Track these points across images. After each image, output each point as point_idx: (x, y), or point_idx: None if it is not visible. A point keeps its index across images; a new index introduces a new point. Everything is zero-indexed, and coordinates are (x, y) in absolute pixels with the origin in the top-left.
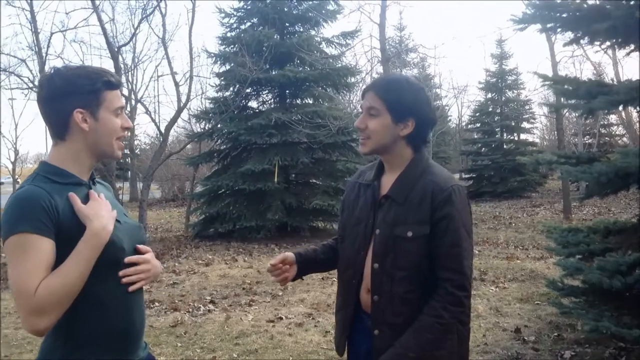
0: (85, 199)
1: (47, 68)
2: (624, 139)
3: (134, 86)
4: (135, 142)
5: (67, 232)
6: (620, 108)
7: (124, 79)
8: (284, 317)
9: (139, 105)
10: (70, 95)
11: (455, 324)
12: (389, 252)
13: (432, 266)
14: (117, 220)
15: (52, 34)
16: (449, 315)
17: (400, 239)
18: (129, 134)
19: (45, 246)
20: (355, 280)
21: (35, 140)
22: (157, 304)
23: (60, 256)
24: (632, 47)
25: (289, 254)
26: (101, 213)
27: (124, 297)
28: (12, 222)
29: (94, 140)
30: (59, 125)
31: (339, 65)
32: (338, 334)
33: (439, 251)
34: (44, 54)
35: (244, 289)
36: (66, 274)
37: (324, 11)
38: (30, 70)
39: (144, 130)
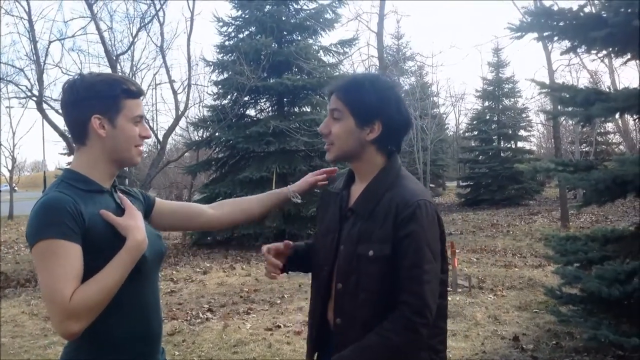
0: (113, 207)
1: (45, 77)
2: (621, 147)
3: None
4: None
5: (92, 239)
6: (617, 116)
7: None
8: (282, 326)
9: None
10: (89, 101)
11: (418, 352)
12: (352, 271)
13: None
14: None
15: (50, 42)
16: (398, 340)
17: (363, 258)
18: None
19: (74, 252)
20: (320, 297)
21: (33, 149)
22: None
23: (85, 263)
24: (629, 55)
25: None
26: (140, 225)
27: (144, 302)
28: (40, 228)
29: (112, 146)
30: (78, 130)
31: (337, 73)
32: (307, 355)
33: (400, 273)
34: (42, 63)
35: (241, 297)
36: (104, 281)
37: (321, 20)
38: (28, 79)
39: None
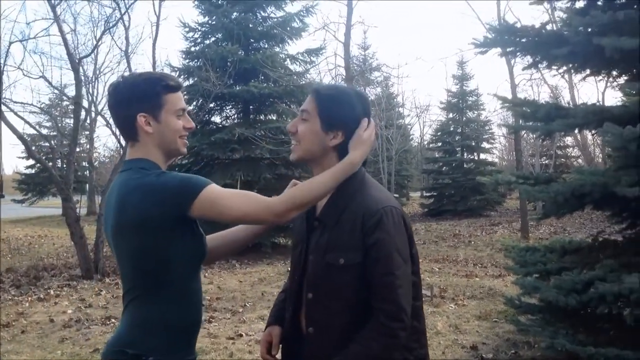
0: None
1: (5, 78)
2: (579, 160)
3: (94, 98)
4: (95, 155)
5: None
6: (577, 131)
7: (84, 91)
8: (244, 334)
9: (99, 117)
10: (133, 101)
11: (395, 355)
12: (322, 281)
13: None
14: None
15: (10, 43)
16: (378, 347)
17: (333, 267)
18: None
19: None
20: (291, 307)
21: None
22: (113, 320)
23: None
24: (588, 71)
25: (275, 332)
26: (368, 149)
27: (199, 291)
28: (190, 182)
29: (160, 140)
30: (127, 129)
31: (303, 82)
32: None
33: (372, 280)
34: (2, 64)
35: (203, 305)
36: (317, 184)
37: (289, 28)
38: None
39: (104, 143)
